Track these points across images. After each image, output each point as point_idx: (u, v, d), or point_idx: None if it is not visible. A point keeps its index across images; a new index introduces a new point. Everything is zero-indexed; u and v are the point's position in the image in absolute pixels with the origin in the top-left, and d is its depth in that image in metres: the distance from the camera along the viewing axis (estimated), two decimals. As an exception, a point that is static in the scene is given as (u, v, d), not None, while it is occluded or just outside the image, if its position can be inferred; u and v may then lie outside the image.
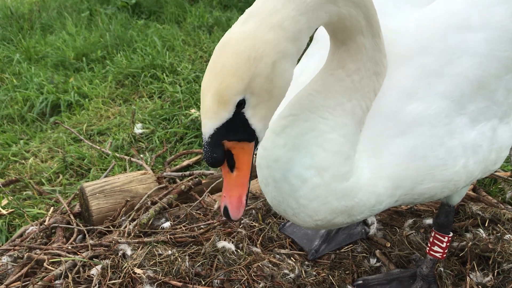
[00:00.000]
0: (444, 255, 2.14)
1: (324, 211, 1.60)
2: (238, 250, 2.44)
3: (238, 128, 1.32)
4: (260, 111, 1.34)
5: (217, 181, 3.08)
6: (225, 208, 1.38)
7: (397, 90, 1.61)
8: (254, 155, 1.46)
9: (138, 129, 4.55)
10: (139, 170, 3.60)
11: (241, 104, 1.29)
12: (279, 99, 1.38)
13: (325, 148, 1.52)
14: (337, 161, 1.54)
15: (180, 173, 3.40)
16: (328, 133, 1.53)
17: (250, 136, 1.36)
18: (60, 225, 2.79)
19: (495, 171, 3.12)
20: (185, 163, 3.82)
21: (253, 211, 2.76)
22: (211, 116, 1.28)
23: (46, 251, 2.49)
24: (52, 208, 3.22)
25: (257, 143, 1.40)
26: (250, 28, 1.28)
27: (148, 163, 3.85)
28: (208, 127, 1.29)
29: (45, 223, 2.86)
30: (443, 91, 1.59)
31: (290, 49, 1.33)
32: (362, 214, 1.69)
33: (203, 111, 1.30)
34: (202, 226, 2.68)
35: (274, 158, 1.58)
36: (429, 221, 2.55)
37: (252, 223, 2.67)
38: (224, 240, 2.48)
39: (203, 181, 3.11)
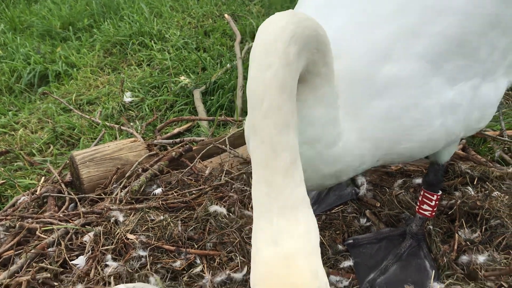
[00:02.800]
0: (433, 214, 2.16)
1: (315, 178, 1.62)
2: (230, 214, 2.46)
3: None
4: None
5: (207, 147, 3.08)
6: None
7: (373, 52, 1.58)
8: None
9: (127, 97, 4.52)
10: (129, 138, 3.58)
11: None
12: None
13: (313, 125, 1.52)
14: (327, 130, 1.54)
15: (171, 141, 3.39)
16: (310, 112, 1.51)
17: None
18: (52, 194, 2.79)
19: (484, 130, 3.14)
20: (176, 130, 3.81)
21: (244, 176, 2.77)
22: None
23: (38, 219, 2.50)
24: (43, 178, 3.22)
25: None
26: (292, 244, 1.15)
27: (139, 131, 3.83)
28: None
29: (37, 193, 2.86)
30: (420, 51, 1.57)
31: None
32: (347, 175, 1.72)
33: None
34: (193, 192, 2.69)
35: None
36: (418, 180, 2.56)
37: (243, 187, 2.68)
38: (216, 205, 2.49)
39: (194, 148, 3.10)
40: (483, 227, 2.23)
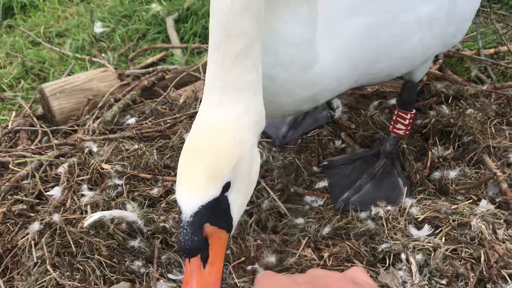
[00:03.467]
0: (407, 132, 2.17)
1: (291, 103, 1.60)
2: (206, 141, 2.44)
3: (220, 213, 1.22)
4: (240, 198, 1.28)
5: (181, 75, 3.01)
6: None
7: None
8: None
9: (98, 28, 4.35)
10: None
11: (226, 187, 1.20)
12: (253, 185, 1.36)
13: (288, 44, 1.47)
14: (302, 51, 1.49)
15: (144, 70, 3.30)
16: (285, 29, 1.46)
17: (228, 225, 1.26)
18: (23, 127, 2.73)
19: (461, 50, 3.11)
20: (149, 60, 3.71)
21: (220, 103, 2.73)
22: (198, 192, 1.15)
23: (11, 153, 2.46)
24: (14, 112, 3.14)
25: (229, 237, 1.30)
26: (226, 115, 1.25)
27: (111, 62, 3.72)
28: (192, 204, 1.15)
29: (8, 127, 2.80)
30: None
31: (256, 132, 1.34)
32: (325, 98, 1.70)
33: (186, 187, 1.18)
34: (168, 121, 2.65)
35: None
36: (393, 101, 2.55)
37: (219, 114, 2.65)
38: (191, 133, 2.47)
39: (167, 76, 3.03)
40: (456, 144, 2.26)
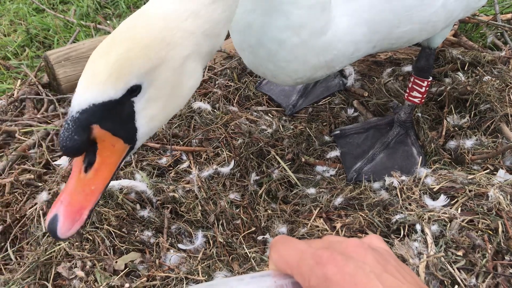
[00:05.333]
0: (423, 100, 2.11)
1: (304, 70, 1.54)
2: (215, 110, 2.39)
3: (120, 119, 1.04)
4: (152, 109, 1.09)
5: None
6: (54, 217, 0.97)
7: None
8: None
9: (102, -6, 4.25)
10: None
11: (134, 90, 1.03)
12: (179, 102, 1.16)
13: (299, 5, 1.39)
14: (313, 15, 1.42)
15: (150, 37, 3.22)
16: None
17: (129, 135, 1.07)
18: (29, 96, 2.69)
19: (477, 15, 3.00)
20: (156, 27, 3.61)
21: (228, 71, 2.67)
22: (93, 87, 0.98)
23: (17, 122, 2.42)
24: (19, 81, 3.09)
25: (131, 150, 1.10)
26: (169, 8, 1.07)
27: (117, 29, 3.64)
28: (83, 99, 0.98)
29: (14, 96, 2.75)
30: None
31: (204, 46, 1.13)
32: (341, 64, 1.63)
33: (86, 78, 1.00)
34: (176, 89, 2.59)
35: (246, 23, 1.46)
36: (408, 68, 2.48)
37: (227, 82, 2.59)
38: (200, 101, 2.42)
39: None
40: (472, 112, 2.19)
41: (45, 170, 2.13)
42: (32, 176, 2.07)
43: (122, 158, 1.08)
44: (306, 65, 1.52)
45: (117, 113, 1.02)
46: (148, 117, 1.09)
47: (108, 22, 3.84)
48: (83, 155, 1.02)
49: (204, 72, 2.69)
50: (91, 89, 0.99)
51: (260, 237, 1.86)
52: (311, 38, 1.45)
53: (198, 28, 1.10)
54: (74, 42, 3.43)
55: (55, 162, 2.14)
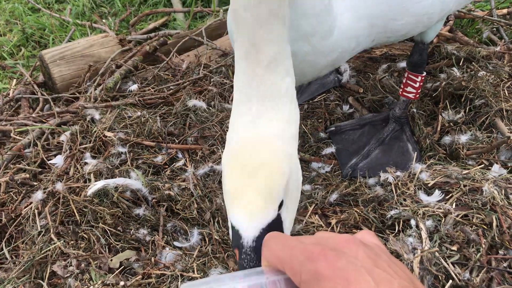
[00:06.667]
0: (417, 96, 2.10)
1: (312, 72, 1.57)
2: (210, 108, 2.39)
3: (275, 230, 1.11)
4: (290, 214, 1.18)
5: (183, 40, 2.93)
6: None
7: None
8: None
9: (98, -7, 4.24)
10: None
11: (280, 205, 1.10)
12: (298, 200, 1.25)
13: (307, 15, 1.40)
14: (322, 19, 1.43)
15: (146, 35, 3.22)
16: (304, 2, 1.38)
17: None
18: (24, 95, 2.68)
19: (472, 10, 3.00)
20: (151, 25, 3.62)
21: (223, 68, 2.67)
22: (257, 215, 1.05)
23: (12, 121, 2.42)
24: (15, 80, 3.08)
25: None
26: (271, 124, 1.15)
27: (112, 28, 3.63)
28: (253, 228, 1.04)
29: (9, 96, 2.75)
30: None
31: (297, 142, 1.24)
32: (343, 60, 1.65)
33: (244, 209, 1.06)
34: (171, 87, 2.59)
35: None
36: (403, 64, 2.48)
37: (223, 80, 2.58)
38: (195, 99, 2.41)
39: (169, 41, 2.95)
40: (467, 108, 2.19)
41: (40, 169, 2.13)
42: (27, 175, 2.07)
43: None
44: (315, 67, 1.54)
45: (273, 229, 1.06)
46: (289, 221, 1.18)
47: (103, 21, 3.83)
48: None
49: (199, 69, 2.69)
50: (256, 217, 1.05)
51: (255, 234, 1.86)
52: (321, 42, 1.47)
53: (295, 130, 1.21)
54: (70, 41, 3.42)
55: (50, 161, 2.14)
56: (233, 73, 2.65)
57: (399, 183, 1.85)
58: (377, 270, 0.74)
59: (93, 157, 2.12)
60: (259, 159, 1.10)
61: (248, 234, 1.03)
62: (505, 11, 2.96)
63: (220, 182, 2.04)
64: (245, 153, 1.13)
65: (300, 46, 1.43)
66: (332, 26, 1.47)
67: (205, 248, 1.76)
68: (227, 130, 2.21)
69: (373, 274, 0.73)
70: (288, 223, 1.17)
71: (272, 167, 1.09)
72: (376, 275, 0.73)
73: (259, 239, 1.03)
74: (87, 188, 1.90)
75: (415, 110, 2.19)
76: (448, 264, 1.52)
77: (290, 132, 1.17)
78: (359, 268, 0.73)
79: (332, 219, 1.82)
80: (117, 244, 1.76)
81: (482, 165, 1.92)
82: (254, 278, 0.84)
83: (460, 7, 1.86)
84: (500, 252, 1.56)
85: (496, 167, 1.87)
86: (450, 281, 1.47)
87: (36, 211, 1.88)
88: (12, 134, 2.32)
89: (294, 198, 1.19)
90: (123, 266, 1.69)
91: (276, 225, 1.09)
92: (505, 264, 1.52)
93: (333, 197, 1.90)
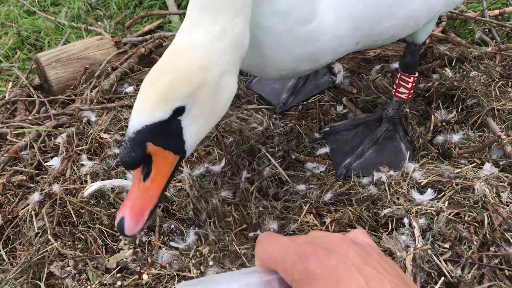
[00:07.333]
0: (410, 96, 2.13)
1: (288, 60, 1.55)
2: (205, 109, 2.41)
3: (169, 135, 1.21)
4: (197, 124, 1.26)
5: (179, 42, 2.94)
6: (122, 219, 1.16)
7: None
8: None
9: (93, -5, 4.25)
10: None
11: (180, 111, 1.20)
12: (219, 115, 1.34)
13: None
14: (300, 2, 1.44)
15: (141, 38, 3.23)
16: None
17: (178, 147, 1.25)
18: (20, 98, 2.69)
19: (465, 11, 3.03)
20: (146, 28, 3.63)
21: (219, 70, 2.68)
22: (144, 112, 1.16)
23: (8, 124, 2.43)
24: (11, 83, 3.09)
25: (181, 159, 1.28)
26: (199, 36, 1.23)
27: (107, 30, 3.65)
28: (137, 122, 1.16)
29: (5, 98, 2.76)
30: None
31: (234, 58, 1.30)
32: (325, 59, 1.64)
33: (138, 104, 1.18)
34: (167, 88, 2.60)
35: None
36: (396, 65, 2.51)
37: (218, 81, 2.60)
38: (191, 101, 2.43)
39: (164, 44, 2.97)
40: (459, 107, 2.22)
41: (37, 171, 2.14)
42: (24, 177, 2.08)
43: (174, 167, 1.26)
44: (290, 54, 1.53)
45: (166, 131, 1.19)
46: (194, 131, 1.26)
47: (99, 23, 3.85)
48: (141, 167, 1.20)
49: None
50: (143, 113, 1.16)
51: (251, 234, 1.88)
52: (296, 26, 1.47)
53: (226, 45, 1.26)
54: (65, 43, 3.43)
55: (47, 163, 2.15)
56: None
57: (393, 182, 1.87)
58: (367, 268, 0.75)
59: (90, 159, 2.14)
60: (173, 64, 1.21)
61: (131, 125, 1.16)
62: (496, 12, 3.00)
63: (216, 183, 2.06)
64: (167, 56, 1.24)
65: (273, 21, 1.44)
66: (310, 14, 1.48)
67: (201, 248, 1.78)
68: (223, 131, 2.25)
69: (363, 272, 0.74)
70: (192, 131, 1.25)
71: (177, 74, 1.18)
72: (366, 273, 0.74)
73: (139, 133, 1.15)
74: (83, 190, 1.92)
75: (408, 110, 2.22)
76: (440, 261, 1.54)
77: (218, 45, 1.24)
78: (350, 267, 0.75)
79: (327, 218, 1.85)
80: (114, 245, 1.77)
81: (474, 164, 1.95)
82: (248, 277, 0.85)
83: (450, 9, 1.88)
84: (491, 249, 1.59)
85: (487, 166, 1.90)
86: (442, 278, 1.50)
87: (33, 212, 1.89)
88: (8, 137, 2.33)
89: (208, 110, 1.27)
90: (120, 266, 1.71)
91: (170, 128, 1.20)
92: (496, 261, 1.55)
93: (328, 196, 1.92)
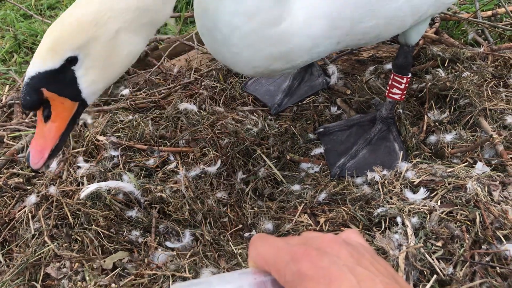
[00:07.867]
0: (403, 97, 2.15)
1: (259, 58, 1.55)
2: (201, 111, 2.43)
3: (64, 83, 1.31)
4: (92, 75, 1.34)
5: (174, 45, 2.97)
6: (28, 154, 1.35)
7: None
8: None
9: (89, -1, 4.26)
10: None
11: (72, 61, 1.29)
12: (116, 69, 1.40)
13: None
14: (266, 4, 1.44)
15: (137, 41, 3.25)
16: None
17: (74, 95, 1.35)
18: (17, 101, 2.70)
19: (458, 12, 3.06)
20: (143, 30, 3.64)
21: (214, 72, 2.70)
22: (38, 60, 1.27)
23: (5, 127, 2.44)
24: (7, 86, 3.11)
25: (84, 106, 1.39)
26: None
27: (104, 33, 3.66)
28: (31, 68, 1.27)
29: (2, 102, 2.77)
30: None
31: (139, 20, 1.34)
32: (301, 59, 1.63)
33: (37, 51, 1.29)
34: (162, 91, 2.63)
35: (203, 8, 1.50)
36: (389, 66, 2.53)
37: (213, 83, 2.62)
38: (186, 102, 2.45)
39: (160, 46, 2.99)
40: (452, 108, 2.24)
41: (33, 174, 2.15)
42: (21, 180, 2.09)
43: (73, 112, 1.37)
44: (260, 54, 1.53)
45: (60, 79, 1.30)
46: (89, 81, 1.35)
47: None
48: (42, 110, 1.33)
49: (190, 73, 2.73)
50: (37, 61, 1.27)
51: (246, 234, 1.90)
52: (263, 28, 1.46)
53: (130, 6, 1.31)
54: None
55: (43, 166, 2.16)
56: (223, 77, 2.69)
57: (386, 182, 1.89)
58: (359, 269, 0.76)
59: (86, 161, 2.15)
60: (68, 15, 1.28)
61: (28, 71, 1.27)
62: (489, 13, 3.02)
63: (211, 184, 2.08)
64: (70, 7, 1.31)
65: (239, 21, 1.44)
66: (279, 16, 1.47)
67: (197, 248, 1.80)
68: (218, 133, 2.27)
69: (355, 272, 0.75)
70: (87, 81, 1.34)
71: (67, 26, 1.26)
72: (358, 273, 0.74)
73: (33, 79, 1.26)
74: (80, 191, 1.93)
75: (401, 110, 2.24)
76: (432, 259, 1.56)
77: (121, 5, 1.30)
78: (342, 267, 0.75)
79: (321, 218, 1.86)
80: (110, 246, 1.79)
81: (466, 163, 1.97)
82: (242, 279, 0.86)
83: (440, 11, 1.89)
84: (483, 247, 1.61)
85: (479, 165, 1.93)
86: (435, 276, 1.51)
87: (29, 214, 1.91)
88: (5, 140, 2.35)
89: (101, 64, 1.34)
90: (116, 267, 1.72)
91: (64, 76, 1.30)
92: (487, 259, 1.57)
93: (322, 196, 1.94)
